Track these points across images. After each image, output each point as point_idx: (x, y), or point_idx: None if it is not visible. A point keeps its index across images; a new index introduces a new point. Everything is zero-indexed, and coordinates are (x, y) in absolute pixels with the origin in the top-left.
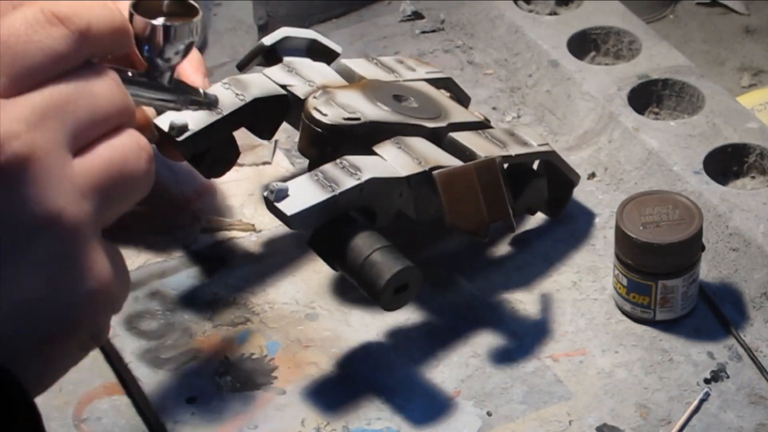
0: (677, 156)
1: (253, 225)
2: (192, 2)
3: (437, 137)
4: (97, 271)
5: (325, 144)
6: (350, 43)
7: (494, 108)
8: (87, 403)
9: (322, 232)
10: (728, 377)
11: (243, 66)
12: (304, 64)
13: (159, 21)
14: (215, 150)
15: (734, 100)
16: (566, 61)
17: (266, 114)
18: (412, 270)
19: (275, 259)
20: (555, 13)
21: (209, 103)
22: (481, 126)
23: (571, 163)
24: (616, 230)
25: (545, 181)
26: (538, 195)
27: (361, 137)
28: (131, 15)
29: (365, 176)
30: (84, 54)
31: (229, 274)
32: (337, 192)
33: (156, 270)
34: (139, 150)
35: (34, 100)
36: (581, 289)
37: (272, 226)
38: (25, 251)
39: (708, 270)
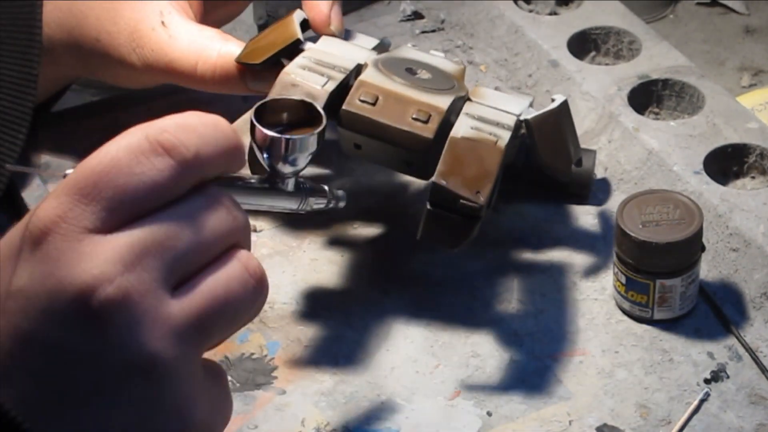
0: (677, 156)
1: (254, 226)
2: (320, 109)
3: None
4: (192, 410)
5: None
6: None
7: None
8: None
9: None
10: (728, 377)
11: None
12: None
13: (278, 133)
14: None
15: (734, 100)
16: (566, 61)
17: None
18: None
19: (275, 259)
20: (555, 13)
21: (337, 200)
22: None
23: None
24: (615, 228)
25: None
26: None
27: None
28: (252, 125)
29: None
30: (190, 182)
31: None
32: None
33: None
34: (246, 278)
35: (132, 238)
36: (581, 289)
37: (272, 226)
38: (117, 393)
39: (708, 270)
